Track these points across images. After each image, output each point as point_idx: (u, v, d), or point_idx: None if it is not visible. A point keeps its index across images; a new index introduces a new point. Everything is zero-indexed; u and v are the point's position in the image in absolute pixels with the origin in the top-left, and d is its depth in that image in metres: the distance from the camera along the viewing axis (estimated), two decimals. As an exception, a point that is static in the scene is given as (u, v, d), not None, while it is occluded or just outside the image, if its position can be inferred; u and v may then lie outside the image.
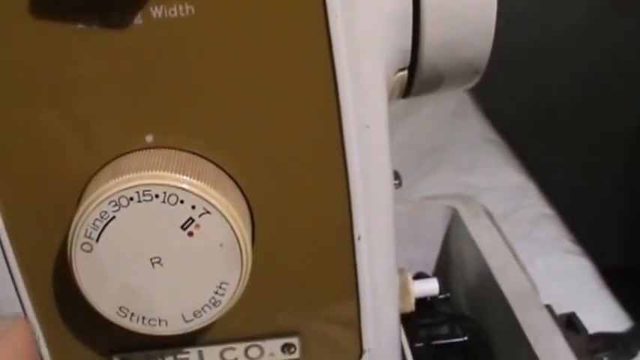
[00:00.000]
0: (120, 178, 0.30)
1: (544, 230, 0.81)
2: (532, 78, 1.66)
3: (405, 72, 0.33)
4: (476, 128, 1.06)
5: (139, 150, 0.31)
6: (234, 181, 0.32)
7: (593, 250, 0.86)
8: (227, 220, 0.30)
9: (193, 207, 0.30)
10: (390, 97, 0.33)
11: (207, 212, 0.30)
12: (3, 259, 0.33)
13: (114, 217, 0.30)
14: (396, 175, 0.45)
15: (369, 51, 0.31)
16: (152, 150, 0.31)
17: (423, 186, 0.87)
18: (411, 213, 0.64)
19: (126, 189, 0.30)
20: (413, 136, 1.01)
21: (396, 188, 0.41)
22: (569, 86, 1.68)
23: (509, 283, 0.54)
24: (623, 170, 1.78)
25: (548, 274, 0.72)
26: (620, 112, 1.72)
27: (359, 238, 0.34)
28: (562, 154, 1.71)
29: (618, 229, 1.78)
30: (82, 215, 0.30)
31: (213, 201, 0.30)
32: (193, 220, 0.30)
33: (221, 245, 0.30)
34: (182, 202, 0.30)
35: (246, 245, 0.30)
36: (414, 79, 0.34)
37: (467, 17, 0.33)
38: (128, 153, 0.31)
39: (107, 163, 0.32)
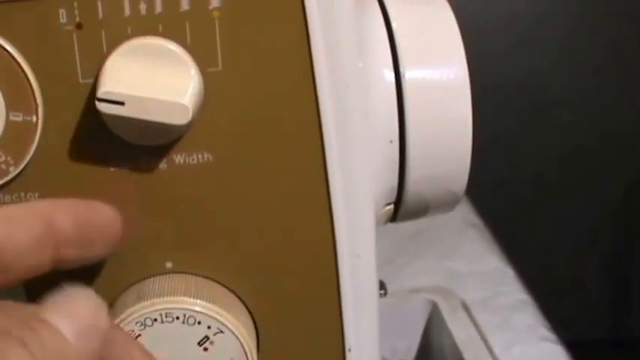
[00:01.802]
0: (145, 302, 0.36)
1: (521, 317, 0.86)
2: (514, 159, 1.74)
3: (392, 206, 0.40)
4: (458, 212, 1.11)
5: (160, 274, 0.37)
6: (242, 301, 0.38)
7: (579, 324, 0.91)
8: (238, 339, 0.36)
9: (209, 327, 0.36)
10: (377, 225, 0.40)
11: (221, 332, 0.36)
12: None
13: (139, 335, 0.36)
14: (382, 285, 0.51)
15: (361, 193, 0.37)
16: (172, 275, 0.37)
17: (409, 272, 0.93)
18: (395, 305, 0.70)
19: (150, 312, 0.35)
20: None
21: (382, 297, 0.47)
22: (548, 170, 1.76)
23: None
24: (609, 244, 1.85)
25: (524, 362, 0.78)
26: (602, 194, 1.79)
27: (349, 350, 0.40)
28: (548, 230, 1.78)
29: (605, 302, 1.84)
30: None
31: (226, 322, 0.36)
32: (208, 338, 0.36)
33: (232, 359, 0.36)
34: (199, 322, 0.36)
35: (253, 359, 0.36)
36: (399, 211, 0.40)
37: (446, 157, 0.39)
38: (151, 277, 0.37)
39: (133, 284, 0.37)
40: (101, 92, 0.32)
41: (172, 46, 0.34)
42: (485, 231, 1.08)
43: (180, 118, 0.32)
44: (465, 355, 0.63)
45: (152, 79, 0.33)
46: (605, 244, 1.86)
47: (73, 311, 0.29)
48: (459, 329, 0.66)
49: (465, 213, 1.13)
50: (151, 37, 0.34)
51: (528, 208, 1.77)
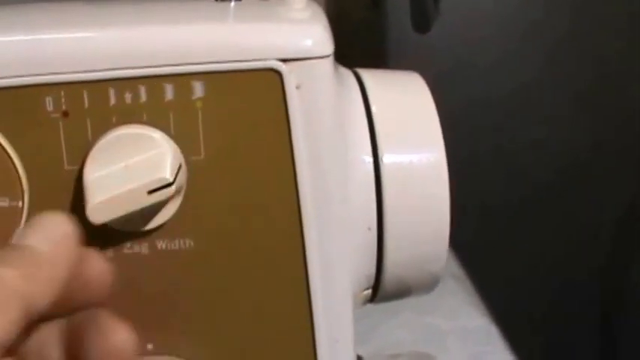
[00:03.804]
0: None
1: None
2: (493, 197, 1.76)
3: (370, 290, 0.43)
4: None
5: (141, 355, 0.40)
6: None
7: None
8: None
9: (188, 409, 0.39)
10: (355, 308, 0.43)
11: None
12: None
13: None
14: (360, 360, 0.54)
15: (340, 280, 0.40)
16: (153, 356, 0.40)
17: (388, 328, 0.95)
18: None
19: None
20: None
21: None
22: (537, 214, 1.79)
23: None
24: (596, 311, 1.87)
25: None
26: (589, 234, 1.82)
27: None
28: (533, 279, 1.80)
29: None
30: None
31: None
32: (187, 420, 0.39)
33: None
34: (179, 404, 0.39)
35: None
36: (377, 295, 0.43)
37: (424, 241, 0.42)
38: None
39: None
40: (90, 207, 0.36)
41: (157, 135, 0.37)
42: (466, 282, 1.11)
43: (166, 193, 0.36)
44: None
45: (135, 168, 0.36)
46: (594, 291, 1.89)
47: (43, 226, 0.34)
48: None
49: (448, 262, 1.16)
50: (135, 125, 0.37)
51: (506, 251, 1.80)
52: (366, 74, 0.44)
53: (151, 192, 0.36)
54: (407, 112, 0.43)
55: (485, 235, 1.64)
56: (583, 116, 1.71)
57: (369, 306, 0.92)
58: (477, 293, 1.08)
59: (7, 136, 0.37)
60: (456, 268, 1.15)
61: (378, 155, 0.42)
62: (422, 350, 0.76)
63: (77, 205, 0.38)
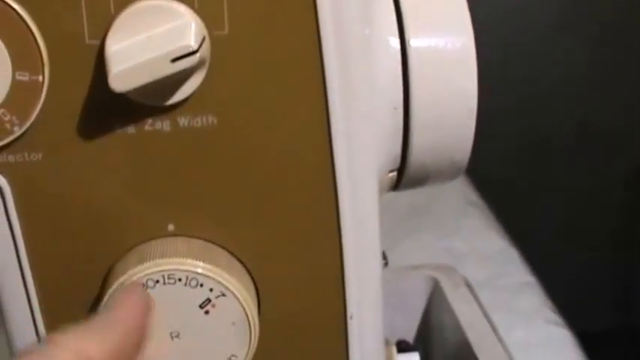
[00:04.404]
0: (147, 263, 0.39)
1: (525, 299, 0.90)
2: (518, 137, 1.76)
3: (395, 173, 0.43)
4: (458, 189, 1.14)
5: (161, 237, 0.40)
6: (244, 265, 0.41)
7: (580, 313, 0.94)
8: (240, 302, 0.39)
9: (211, 289, 0.39)
10: (380, 193, 0.43)
11: (223, 295, 0.39)
12: (34, 329, 0.42)
13: (141, 297, 0.39)
14: (383, 255, 0.54)
15: (365, 159, 0.40)
16: (174, 237, 0.40)
17: (404, 250, 0.96)
18: (395, 281, 0.73)
19: (153, 273, 0.38)
20: (394, 196, 1.09)
21: (383, 267, 0.50)
22: (555, 147, 1.78)
23: (487, 356, 0.63)
24: (612, 231, 1.87)
25: (528, 344, 0.81)
26: (609, 174, 1.82)
27: (351, 318, 0.43)
28: (548, 212, 1.80)
29: (606, 291, 1.87)
30: (112, 294, 0.39)
31: (228, 285, 0.39)
32: (210, 301, 0.39)
33: (233, 323, 0.39)
34: (202, 285, 0.39)
35: (255, 324, 0.39)
36: (402, 178, 0.43)
37: (450, 126, 0.42)
38: (153, 239, 0.40)
39: (134, 246, 0.40)
40: (112, 75, 0.35)
41: (180, 8, 0.37)
42: (485, 209, 1.11)
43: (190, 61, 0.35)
44: (469, 334, 0.65)
45: (158, 38, 0.36)
46: (613, 226, 1.89)
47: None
48: (461, 306, 0.69)
49: (465, 190, 1.16)
50: (158, -2, 0.37)
51: (531, 185, 1.80)
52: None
53: (174, 60, 0.35)
54: (435, -3, 0.43)
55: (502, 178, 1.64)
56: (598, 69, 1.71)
57: (386, 228, 0.93)
58: (496, 219, 1.08)
59: (28, 10, 0.36)
60: (474, 197, 1.15)
61: (405, 38, 0.41)
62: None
63: (98, 80, 0.37)
